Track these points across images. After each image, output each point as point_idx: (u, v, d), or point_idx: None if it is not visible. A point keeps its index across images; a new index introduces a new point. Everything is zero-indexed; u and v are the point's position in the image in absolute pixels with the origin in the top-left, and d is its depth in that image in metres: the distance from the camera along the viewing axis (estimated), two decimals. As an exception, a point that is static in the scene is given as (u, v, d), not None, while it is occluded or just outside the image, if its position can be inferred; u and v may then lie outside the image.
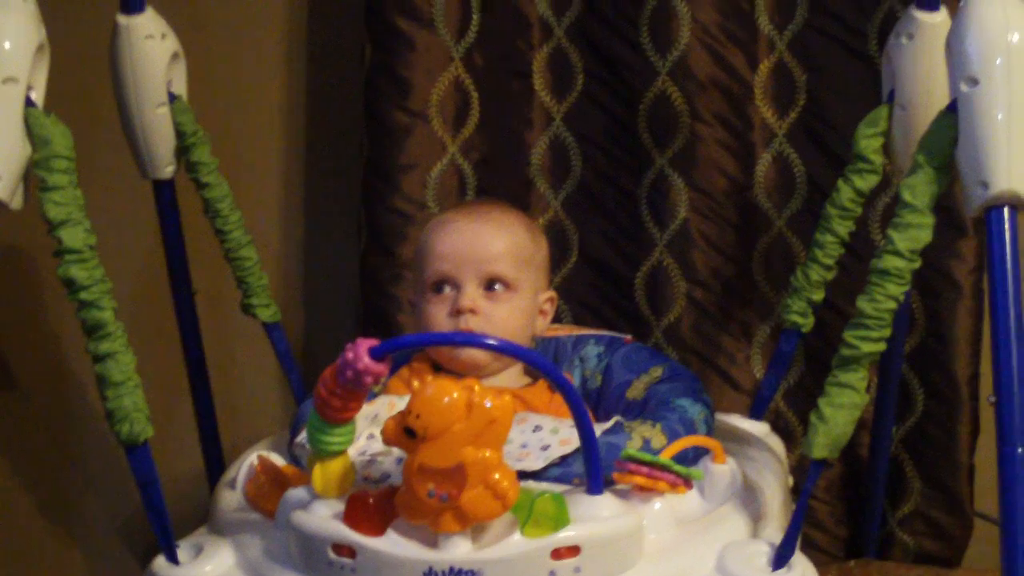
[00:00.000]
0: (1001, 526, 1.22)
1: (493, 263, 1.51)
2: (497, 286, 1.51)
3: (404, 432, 1.14)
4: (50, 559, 2.16)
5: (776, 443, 1.66)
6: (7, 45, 1.31)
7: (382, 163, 1.90)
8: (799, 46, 1.88)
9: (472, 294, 1.50)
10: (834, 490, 1.94)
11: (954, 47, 1.27)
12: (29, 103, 1.32)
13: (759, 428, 1.70)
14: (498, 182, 1.92)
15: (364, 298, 1.93)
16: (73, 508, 2.16)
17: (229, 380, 1.95)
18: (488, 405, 1.13)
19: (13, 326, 2.05)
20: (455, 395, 1.13)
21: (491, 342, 1.26)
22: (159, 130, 1.65)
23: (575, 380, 1.61)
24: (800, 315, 1.66)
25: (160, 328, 1.82)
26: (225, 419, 1.87)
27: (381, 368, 1.16)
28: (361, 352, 1.16)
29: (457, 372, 1.47)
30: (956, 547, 1.93)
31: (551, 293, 1.61)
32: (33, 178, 1.33)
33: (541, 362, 1.24)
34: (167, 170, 1.69)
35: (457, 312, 1.49)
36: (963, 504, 1.91)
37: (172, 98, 1.65)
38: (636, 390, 1.55)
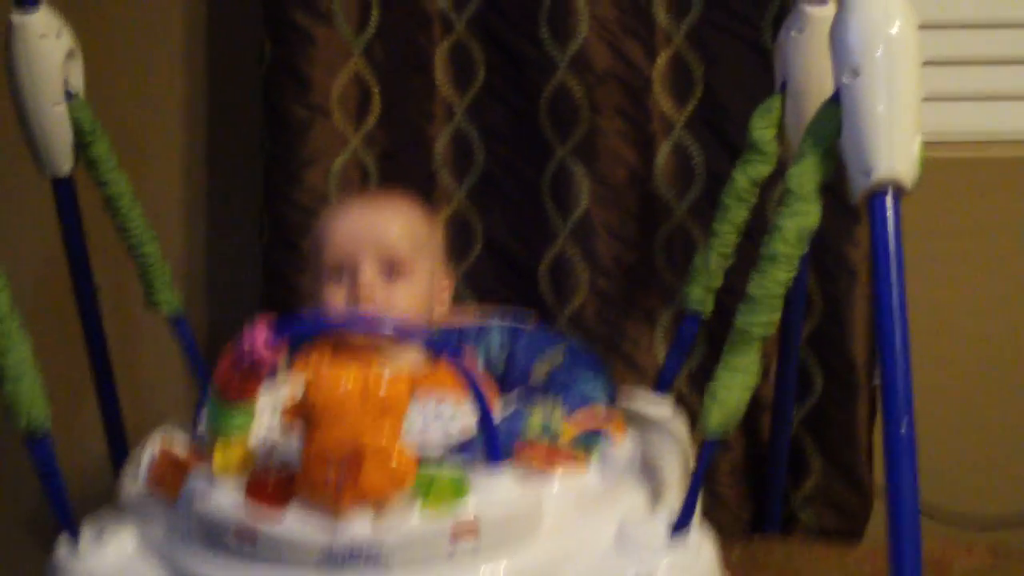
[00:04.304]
0: (888, 500, 1.25)
1: (389, 246, 1.52)
2: (394, 270, 1.52)
3: (301, 418, 1.16)
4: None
5: (677, 421, 1.68)
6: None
7: (283, 158, 1.90)
8: (696, 39, 1.91)
9: (369, 279, 1.51)
10: (737, 472, 1.97)
11: (837, 39, 1.29)
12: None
13: (661, 405, 1.72)
14: (401, 175, 1.93)
15: (266, 293, 1.93)
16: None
17: (134, 375, 1.94)
18: (383, 391, 1.15)
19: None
20: (349, 382, 1.15)
21: (388, 328, 1.27)
22: (57, 128, 1.64)
23: (479, 364, 1.63)
24: (699, 301, 1.69)
25: (63, 327, 1.80)
26: (130, 414, 1.85)
27: (275, 354, 1.17)
28: (257, 337, 1.17)
29: (362, 350, 1.48)
30: (857, 523, 1.98)
31: (448, 279, 1.62)
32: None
33: (436, 345, 1.26)
34: (65, 168, 1.68)
35: (354, 296, 1.50)
36: (863, 482, 1.95)
37: (69, 96, 1.64)
38: (539, 373, 1.56)
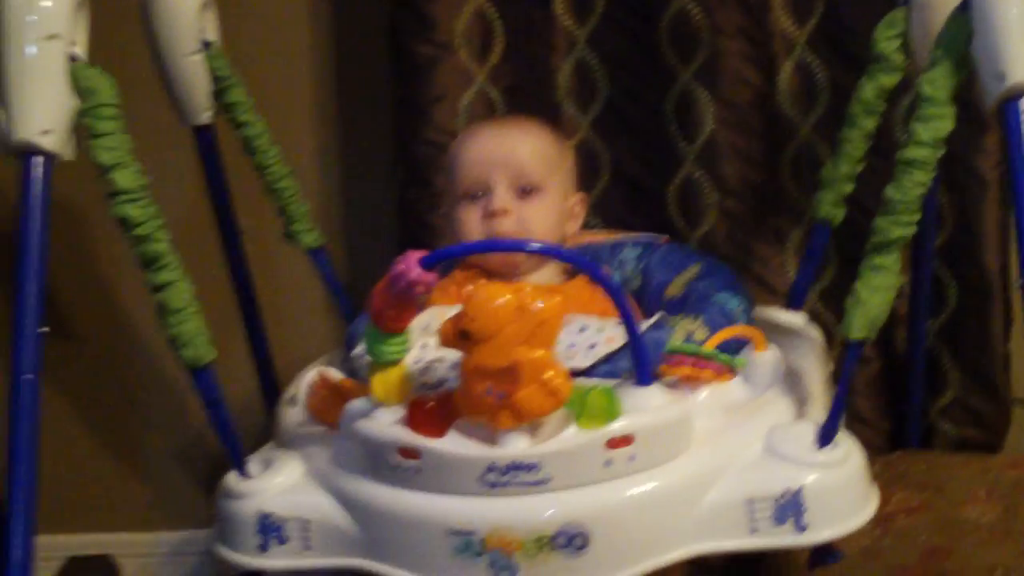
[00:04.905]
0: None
1: (522, 165, 1.56)
2: (527, 188, 1.56)
3: (460, 335, 1.19)
4: (114, 495, 2.25)
5: (815, 331, 1.68)
6: (48, 3, 1.32)
7: (411, 96, 1.94)
8: (814, -46, 1.90)
9: (503, 196, 1.54)
10: (875, 385, 1.98)
11: (967, -57, 1.28)
12: (73, 58, 1.34)
13: (797, 318, 1.72)
14: (527, 108, 1.94)
15: (402, 229, 1.98)
16: (135, 444, 2.25)
17: (278, 311, 1.98)
18: (538, 307, 1.18)
19: (67, 275, 2.13)
20: (506, 298, 1.18)
21: (534, 246, 1.30)
22: (193, 78, 1.68)
23: (616, 280, 1.65)
24: (830, 206, 1.67)
25: (208, 269, 1.85)
26: (276, 347, 1.91)
27: (431, 277, 1.21)
28: (412, 263, 1.21)
29: (499, 273, 1.51)
30: (996, 434, 1.98)
31: (580, 195, 1.65)
32: (83, 129, 1.35)
33: (583, 262, 1.28)
34: (205, 116, 1.72)
35: (490, 215, 1.54)
36: (1000, 392, 1.95)
37: (206, 45, 1.68)
38: (675, 288, 1.58)
